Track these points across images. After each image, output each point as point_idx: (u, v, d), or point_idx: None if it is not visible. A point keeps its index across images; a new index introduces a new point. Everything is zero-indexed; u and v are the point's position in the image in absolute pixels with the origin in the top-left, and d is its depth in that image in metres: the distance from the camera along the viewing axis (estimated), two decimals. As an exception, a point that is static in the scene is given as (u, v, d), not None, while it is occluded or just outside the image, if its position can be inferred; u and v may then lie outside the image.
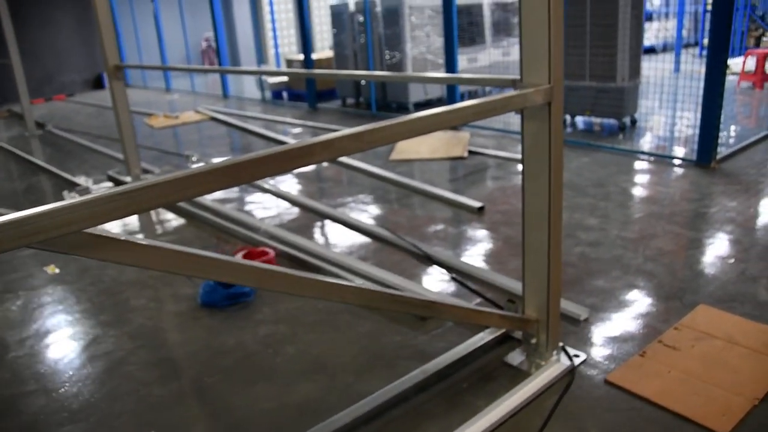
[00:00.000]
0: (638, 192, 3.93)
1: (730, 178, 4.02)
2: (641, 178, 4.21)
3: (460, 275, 2.93)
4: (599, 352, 2.25)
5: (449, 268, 3.00)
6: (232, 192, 4.46)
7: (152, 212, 4.20)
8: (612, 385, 2.06)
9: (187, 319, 2.75)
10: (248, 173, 1.32)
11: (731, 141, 4.99)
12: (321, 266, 3.06)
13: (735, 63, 7.38)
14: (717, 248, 3.01)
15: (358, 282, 2.74)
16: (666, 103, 6.19)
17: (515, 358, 2.24)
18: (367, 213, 3.91)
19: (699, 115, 4.27)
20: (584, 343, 2.31)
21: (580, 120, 5.90)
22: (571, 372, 2.14)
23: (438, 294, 2.75)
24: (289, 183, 4.66)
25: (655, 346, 2.24)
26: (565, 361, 2.16)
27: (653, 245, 3.09)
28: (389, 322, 2.58)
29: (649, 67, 6.33)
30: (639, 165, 4.45)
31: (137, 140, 4.79)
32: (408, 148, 5.39)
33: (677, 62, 8.68)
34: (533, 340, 2.20)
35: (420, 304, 2.08)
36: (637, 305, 2.54)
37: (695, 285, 2.67)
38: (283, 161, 1.36)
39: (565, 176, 4.47)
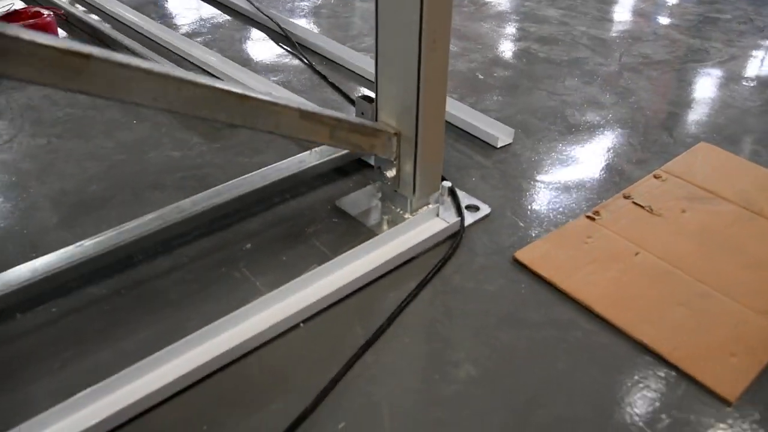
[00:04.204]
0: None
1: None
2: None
3: (324, 63, 1.80)
4: (517, 204, 1.23)
5: (304, 51, 1.86)
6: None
7: None
8: (523, 269, 1.06)
9: None
10: None
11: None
12: (119, 40, 1.86)
13: None
14: (735, 64, 1.93)
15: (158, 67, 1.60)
16: None
17: (357, 202, 1.21)
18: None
19: None
20: (493, 187, 1.28)
21: None
22: (455, 236, 1.12)
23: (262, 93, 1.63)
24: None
25: (616, 204, 1.23)
26: (447, 217, 1.14)
27: (636, 50, 1.99)
28: (175, 127, 1.49)
29: None
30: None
31: None
32: None
33: None
34: (390, 172, 1.14)
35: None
36: (595, 131, 1.50)
37: (694, 112, 1.63)
38: None
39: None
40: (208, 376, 0.86)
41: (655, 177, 1.32)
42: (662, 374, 0.88)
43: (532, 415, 0.82)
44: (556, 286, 1.02)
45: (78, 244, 1.00)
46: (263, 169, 1.20)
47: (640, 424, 0.81)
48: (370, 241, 1.05)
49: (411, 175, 1.11)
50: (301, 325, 0.95)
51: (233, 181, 1.16)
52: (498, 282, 1.04)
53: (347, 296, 1.00)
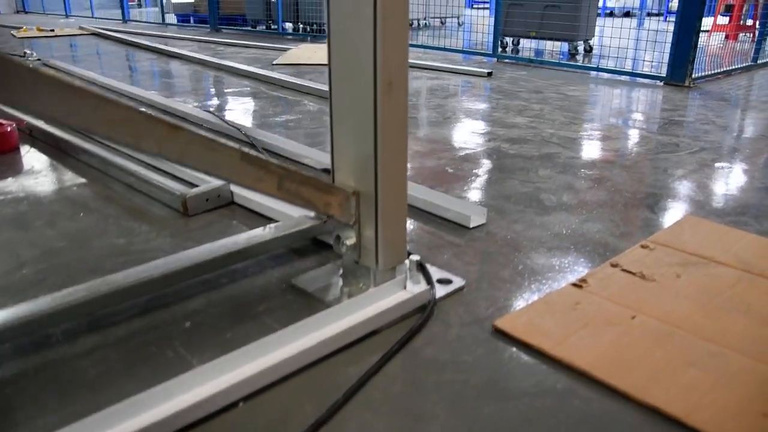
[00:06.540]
0: (589, 99, 2.83)
1: (711, 95, 2.96)
2: (594, 89, 3.12)
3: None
4: (495, 277, 1.10)
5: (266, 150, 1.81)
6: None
7: None
8: (505, 338, 0.92)
9: None
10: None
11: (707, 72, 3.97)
12: (84, 147, 1.82)
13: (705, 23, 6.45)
14: (704, 154, 1.91)
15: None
16: (629, 42, 5.17)
17: (315, 279, 1.08)
18: (224, 107, 2.69)
19: (668, 49, 3.22)
20: (467, 263, 1.17)
21: (524, 45, 4.82)
22: (425, 308, 0.98)
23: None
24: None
25: (604, 272, 1.11)
26: (415, 289, 1.01)
27: (608, 146, 1.98)
28: (122, 217, 1.38)
29: (608, 25, 5.29)
30: (594, 80, 3.35)
31: None
32: (301, 55, 4.17)
33: (640, 22, 7.88)
34: (350, 239, 1.02)
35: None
36: (574, 211, 1.41)
37: (675, 190, 1.57)
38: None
39: (492, 83, 3.37)
40: (115, 464, 0.68)
41: (642, 247, 1.22)
42: (683, 442, 0.71)
43: (528, 497, 0.64)
44: (546, 353, 0.87)
45: (-19, 320, 0.85)
46: (208, 244, 1.08)
47: (666, 501, 0.63)
48: (326, 311, 0.90)
49: (373, 241, 1.00)
50: (241, 404, 0.78)
51: (172, 255, 1.04)
52: (477, 352, 0.89)
53: (297, 372, 0.84)
